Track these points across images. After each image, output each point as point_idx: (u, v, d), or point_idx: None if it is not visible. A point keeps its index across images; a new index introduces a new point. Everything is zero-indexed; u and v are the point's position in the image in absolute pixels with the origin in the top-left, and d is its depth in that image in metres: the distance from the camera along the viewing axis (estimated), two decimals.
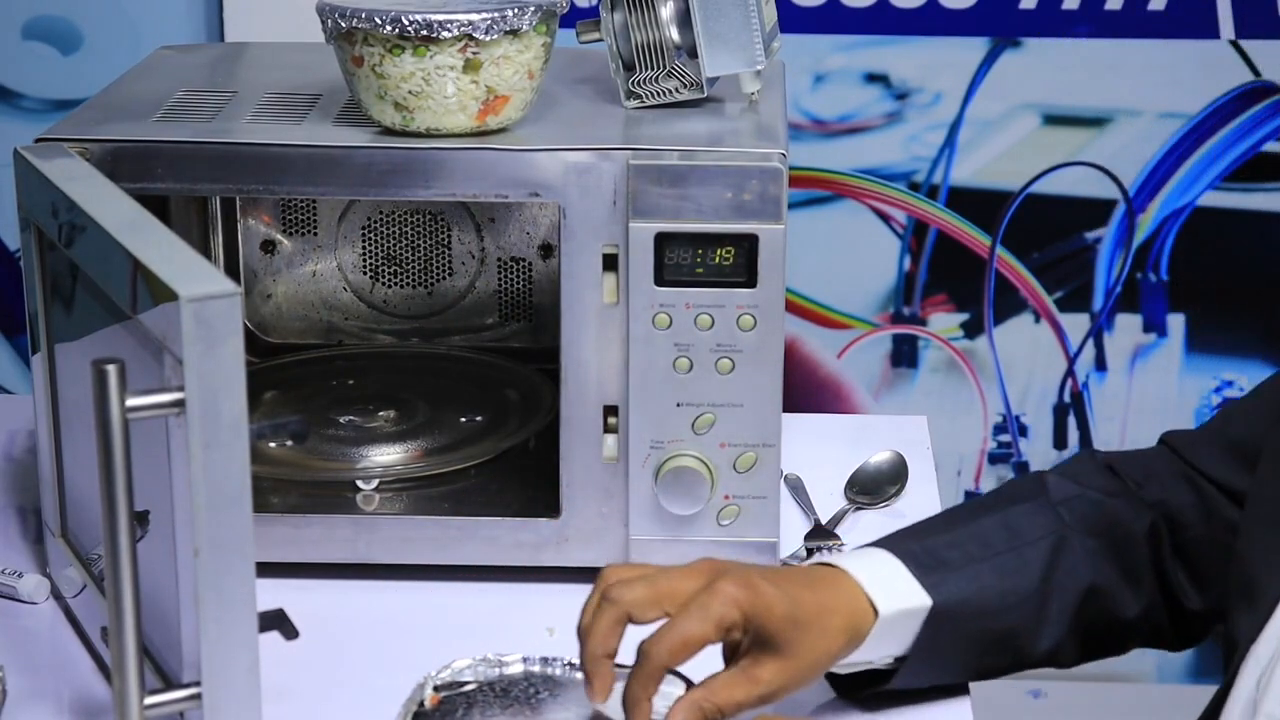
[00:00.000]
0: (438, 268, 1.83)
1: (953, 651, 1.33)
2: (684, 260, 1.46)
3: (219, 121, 1.54)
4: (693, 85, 1.55)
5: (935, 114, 2.25)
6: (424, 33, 1.42)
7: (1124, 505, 1.39)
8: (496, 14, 1.44)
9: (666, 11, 1.54)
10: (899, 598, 1.30)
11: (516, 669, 1.30)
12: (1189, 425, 2.31)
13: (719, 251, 1.46)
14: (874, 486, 1.69)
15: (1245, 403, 1.41)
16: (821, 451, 1.76)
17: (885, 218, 2.29)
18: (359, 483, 1.60)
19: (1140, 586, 1.38)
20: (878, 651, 1.31)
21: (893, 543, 1.35)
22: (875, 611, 1.28)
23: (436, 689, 1.27)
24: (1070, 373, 2.33)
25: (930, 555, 1.33)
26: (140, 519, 1.19)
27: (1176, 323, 2.32)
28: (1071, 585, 1.35)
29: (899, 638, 1.31)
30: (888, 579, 1.31)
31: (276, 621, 1.24)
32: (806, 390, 2.32)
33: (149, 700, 1.16)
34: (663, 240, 1.45)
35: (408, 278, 1.84)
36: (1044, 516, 1.38)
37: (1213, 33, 2.20)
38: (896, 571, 1.32)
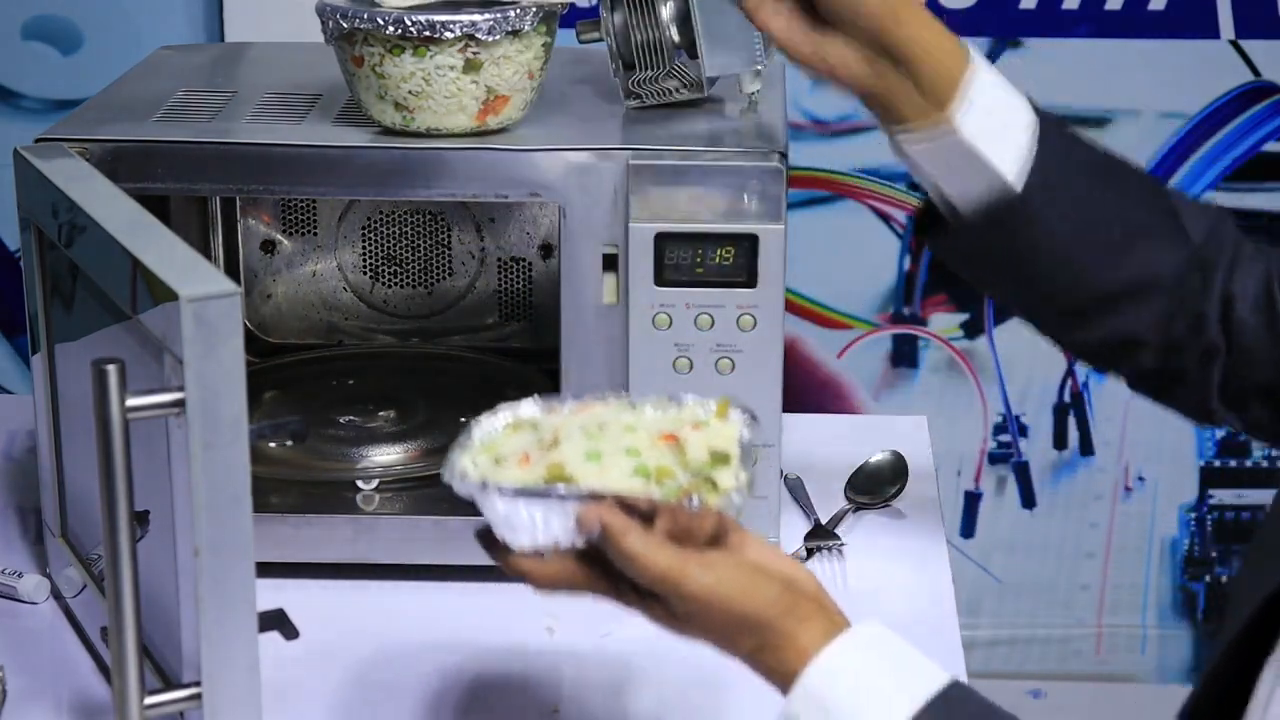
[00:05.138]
0: (438, 268, 1.83)
1: (1034, 228, 1.30)
2: (684, 260, 1.46)
3: (219, 121, 1.54)
4: (693, 85, 1.55)
5: None
6: (426, 33, 1.42)
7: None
8: (499, 14, 1.44)
9: (666, 11, 1.54)
10: (1004, 96, 1.29)
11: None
12: (1188, 428, 2.31)
13: (719, 251, 1.46)
14: (874, 486, 1.69)
15: None
16: (821, 451, 1.76)
17: (885, 218, 2.29)
18: (359, 483, 1.60)
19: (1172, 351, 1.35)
20: (956, 152, 1.29)
21: (1053, 139, 1.32)
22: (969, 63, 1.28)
23: None
24: (1070, 373, 2.33)
25: (1062, 140, 1.32)
26: (140, 519, 1.19)
27: None
28: (1123, 324, 1.33)
29: (981, 154, 1.29)
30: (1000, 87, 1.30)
31: (276, 621, 1.24)
32: (806, 390, 2.32)
33: (149, 700, 1.16)
34: (663, 240, 1.45)
35: (408, 278, 1.84)
36: (1173, 253, 1.34)
37: (1213, 33, 2.20)
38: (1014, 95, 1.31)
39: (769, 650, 1.12)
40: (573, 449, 1.16)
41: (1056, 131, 1.33)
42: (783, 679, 1.12)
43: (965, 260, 1.35)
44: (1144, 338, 1.33)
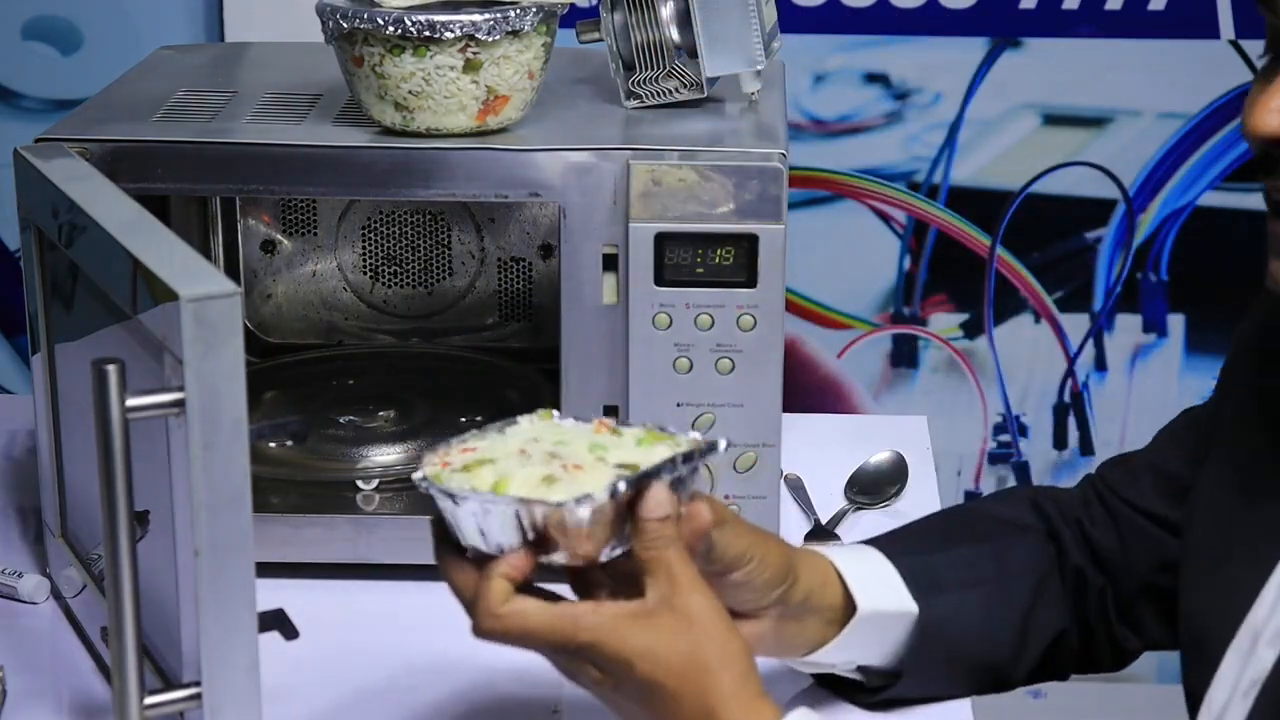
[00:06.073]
0: (438, 268, 1.83)
1: (943, 669, 1.34)
2: (684, 260, 1.46)
3: (219, 121, 1.54)
4: (693, 85, 1.55)
5: (935, 114, 2.25)
6: (426, 33, 1.42)
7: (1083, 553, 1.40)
8: (498, 14, 1.44)
9: (666, 11, 1.54)
10: (882, 600, 1.30)
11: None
12: None
13: (719, 251, 1.46)
14: (874, 486, 1.69)
15: (1172, 437, 1.40)
16: (821, 451, 1.76)
17: (885, 218, 2.29)
18: (359, 483, 1.60)
19: (1089, 632, 1.40)
20: (850, 653, 1.31)
21: (892, 553, 1.35)
22: (853, 605, 1.29)
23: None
24: (1070, 373, 2.33)
25: (927, 572, 1.34)
26: (140, 519, 1.19)
27: (1176, 323, 2.32)
28: (1049, 626, 1.36)
29: (875, 642, 1.31)
30: (875, 580, 1.31)
31: (276, 621, 1.24)
32: (806, 390, 2.32)
33: (149, 700, 1.16)
34: (663, 240, 1.45)
35: (408, 278, 1.84)
36: (1037, 551, 1.38)
37: (1213, 33, 2.20)
38: (887, 577, 1.32)
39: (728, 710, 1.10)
40: (578, 449, 1.17)
41: (883, 540, 1.36)
42: None
43: (914, 689, 1.34)
44: (1064, 623, 1.37)
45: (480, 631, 1.13)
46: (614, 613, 1.12)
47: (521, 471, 1.14)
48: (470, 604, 1.14)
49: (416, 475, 1.15)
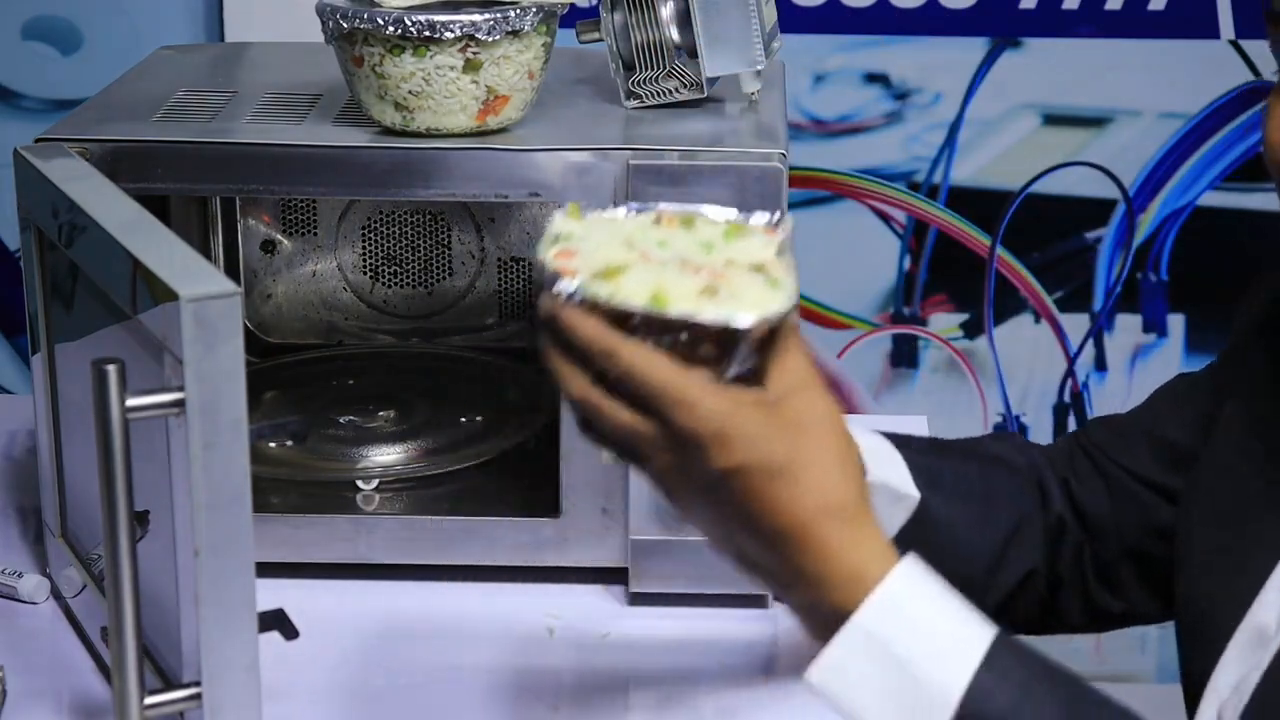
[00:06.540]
0: (438, 268, 1.83)
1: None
2: None
3: (219, 121, 1.54)
4: (693, 85, 1.55)
5: (935, 114, 2.25)
6: (426, 33, 1.42)
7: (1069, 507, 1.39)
8: (499, 14, 1.44)
9: (666, 11, 1.54)
10: (890, 476, 1.29)
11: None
12: None
13: None
14: None
15: (1172, 403, 1.39)
16: None
17: (885, 218, 2.29)
18: (359, 483, 1.60)
19: (1060, 585, 1.39)
20: None
21: (904, 448, 1.33)
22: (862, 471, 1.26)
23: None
24: (1070, 373, 2.33)
25: (930, 471, 1.32)
26: (140, 519, 1.19)
27: (1176, 323, 2.32)
28: (1023, 560, 1.35)
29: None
30: (884, 458, 1.30)
31: (276, 621, 1.24)
32: None
33: (149, 700, 1.16)
34: None
35: (408, 278, 1.84)
36: (1022, 491, 1.37)
37: (1213, 33, 2.20)
38: (894, 458, 1.31)
39: (851, 525, 1.03)
40: (689, 248, 1.13)
41: (897, 435, 1.34)
42: (850, 574, 1.03)
43: None
44: (1035, 565, 1.36)
45: (607, 357, 1.04)
46: (736, 396, 1.05)
47: (675, 282, 1.07)
48: (595, 347, 1.05)
49: (566, 286, 1.05)
